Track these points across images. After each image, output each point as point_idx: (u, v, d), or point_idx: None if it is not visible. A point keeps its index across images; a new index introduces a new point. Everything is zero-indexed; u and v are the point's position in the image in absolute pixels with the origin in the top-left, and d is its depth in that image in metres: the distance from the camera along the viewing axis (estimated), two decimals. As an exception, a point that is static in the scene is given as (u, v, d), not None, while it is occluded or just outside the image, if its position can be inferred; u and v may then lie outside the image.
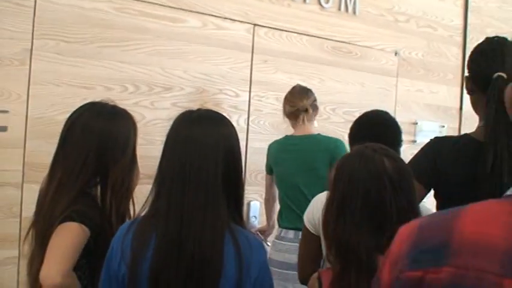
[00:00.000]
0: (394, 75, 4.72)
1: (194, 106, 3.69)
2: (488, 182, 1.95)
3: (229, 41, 3.90)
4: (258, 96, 4.06)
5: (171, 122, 1.84)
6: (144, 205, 1.77)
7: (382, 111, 2.89)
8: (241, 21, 3.93)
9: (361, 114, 2.84)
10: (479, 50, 2.16)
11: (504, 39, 2.18)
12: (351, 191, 1.68)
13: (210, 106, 3.77)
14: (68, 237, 1.88)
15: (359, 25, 4.55)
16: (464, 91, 2.25)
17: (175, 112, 3.56)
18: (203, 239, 1.65)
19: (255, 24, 3.98)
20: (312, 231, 2.43)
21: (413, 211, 1.68)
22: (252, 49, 4.01)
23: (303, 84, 3.94)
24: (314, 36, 4.29)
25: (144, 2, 3.55)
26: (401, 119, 4.77)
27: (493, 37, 2.20)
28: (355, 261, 1.63)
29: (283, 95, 3.76)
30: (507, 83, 1.97)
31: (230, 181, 1.74)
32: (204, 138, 1.72)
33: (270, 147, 3.74)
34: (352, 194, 1.68)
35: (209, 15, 3.79)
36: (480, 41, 2.33)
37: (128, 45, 3.51)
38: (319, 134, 3.62)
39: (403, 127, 4.85)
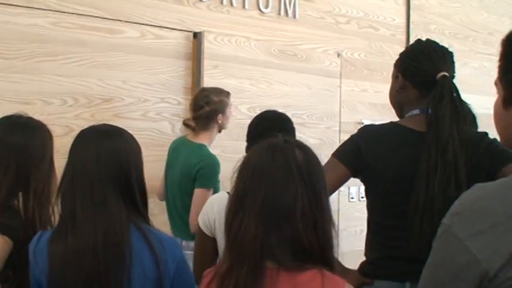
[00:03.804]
0: (337, 77, 4.80)
1: (135, 116, 3.77)
2: (439, 173, 2.06)
3: (169, 49, 3.94)
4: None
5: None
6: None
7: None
8: (179, 30, 3.98)
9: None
10: (419, 50, 2.28)
11: (436, 42, 2.32)
12: (254, 183, 1.56)
13: (152, 115, 3.84)
14: None
15: (300, 28, 4.63)
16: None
17: (116, 123, 3.59)
18: (107, 241, 1.76)
19: (194, 32, 4.03)
20: (206, 233, 2.50)
21: (319, 208, 1.56)
22: (198, 56, 4.06)
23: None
24: (259, 40, 4.36)
25: (81, 15, 3.58)
26: (346, 119, 4.89)
27: (427, 40, 2.34)
28: (248, 259, 1.51)
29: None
30: (450, 81, 2.13)
31: (124, 189, 1.84)
32: (94, 152, 1.84)
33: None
34: (254, 186, 1.55)
35: (147, 25, 3.83)
36: (424, 38, 2.47)
37: (65, 58, 3.54)
38: None
39: (349, 127, 4.95)
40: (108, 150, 1.84)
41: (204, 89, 3.67)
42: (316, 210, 1.55)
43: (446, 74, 2.15)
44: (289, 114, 4.45)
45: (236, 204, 1.58)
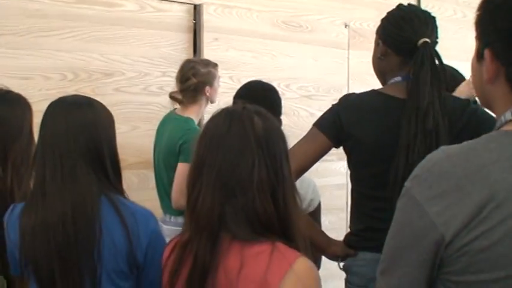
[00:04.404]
0: (345, 48, 4.72)
1: (137, 90, 3.74)
2: (419, 143, 2.01)
3: (170, 22, 3.89)
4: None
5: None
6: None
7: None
8: (179, 2, 3.92)
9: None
10: (400, 16, 2.23)
11: (418, 7, 2.26)
12: (211, 152, 1.51)
13: (153, 89, 3.81)
14: None
15: (306, -1, 4.55)
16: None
17: (118, 97, 3.63)
18: (76, 212, 1.74)
19: (195, 4, 3.98)
20: None
21: (279, 178, 1.50)
22: (198, 28, 4.01)
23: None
24: (261, 11, 4.29)
25: (78, -11, 3.56)
26: (355, 91, 4.79)
27: (408, 5, 2.29)
28: (206, 229, 1.48)
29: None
30: (432, 47, 2.08)
31: (95, 161, 1.81)
32: (63, 124, 1.80)
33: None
34: (211, 155, 1.50)
35: (146, -3, 3.79)
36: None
37: (64, 33, 3.52)
38: None
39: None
40: (77, 122, 1.80)
41: (190, 60, 3.59)
42: (275, 180, 1.49)
43: (427, 40, 2.10)
44: (294, 87, 4.44)
45: (194, 173, 1.54)
